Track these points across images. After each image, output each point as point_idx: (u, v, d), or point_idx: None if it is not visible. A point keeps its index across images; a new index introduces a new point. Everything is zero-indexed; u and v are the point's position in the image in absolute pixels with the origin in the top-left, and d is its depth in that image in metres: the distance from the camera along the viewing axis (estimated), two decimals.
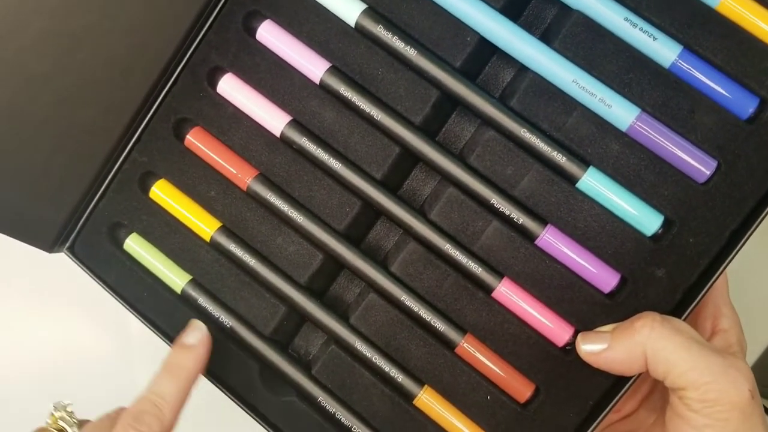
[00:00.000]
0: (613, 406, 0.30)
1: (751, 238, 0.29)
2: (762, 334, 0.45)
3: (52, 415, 0.33)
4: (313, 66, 0.33)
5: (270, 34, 0.33)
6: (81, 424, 0.32)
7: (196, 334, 0.33)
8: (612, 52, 0.30)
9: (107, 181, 0.35)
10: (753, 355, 0.45)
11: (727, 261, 0.29)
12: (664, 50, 0.30)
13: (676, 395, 0.28)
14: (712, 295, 0.32)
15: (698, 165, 0.29)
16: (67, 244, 0.36)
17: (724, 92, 0.29)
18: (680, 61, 0.29)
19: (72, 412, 0.33)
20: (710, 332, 0.31)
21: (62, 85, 0.34)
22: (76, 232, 0.36)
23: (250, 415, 0.34)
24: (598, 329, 0.30)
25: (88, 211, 0.35)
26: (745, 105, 0.29)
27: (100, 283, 0.35)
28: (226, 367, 0.34)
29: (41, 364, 0.47)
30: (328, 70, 0.33)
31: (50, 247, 0.35)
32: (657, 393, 0.33)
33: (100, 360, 0.48)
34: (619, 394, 0.30)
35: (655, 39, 0.30)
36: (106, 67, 0.34)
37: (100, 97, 0.34)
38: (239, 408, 0.34)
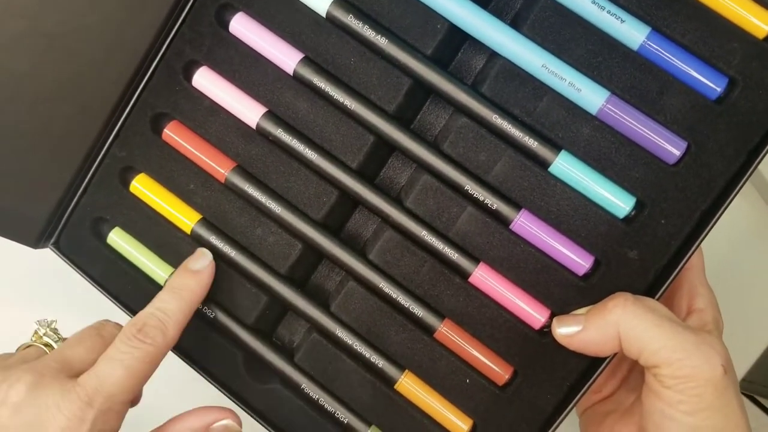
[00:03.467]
0: (589, 387, 0.30)
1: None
2: (762, 334, 0.45)
3: (36, 332, 0.32)
4: (286, 57, 0.33)
5: (243, 27, 0.33)
6: (65, 340, 0.32)
7: (203, 260, 0.33)
8: (580, 36, 0.30)
9: (88, 177, 0.35)
10: (753, 355, 0.45)
11: (698, 241, 0.29)
12: (632, 32, 0.29)
13: (651, 373, 0.28)
14: (688, 275, 0.32)
15: (668, 146, 0.29)
16: (52, 240, 0.36)
17: (692, 73, 0.29)
18: (649, 42, 0.29)
19: (56, 328, 0.33)
20: (686, 312, 0.31)
21: (40, 83, 0.34)
22: (60, 227, 0.36)
23: (234, 402, 0.34)
24: (573, 312, 0.30)
25: (71, 206, 0.36)
26: (713, 85, 0.29)
27: (86, 277, 0.36)
28: (211, 356, 0.35)
29: None
30: (301, 60, 0.33)
31: (35, 243, 0.36)
32: (636, 373, 0.34)
33: None
34: (595, 375, 0.30)
35: (623, 21, 0.29)
36: (82, 64, 0.34)
37: (78, 95, 0.34)
38: (224, 395, 0.34)
